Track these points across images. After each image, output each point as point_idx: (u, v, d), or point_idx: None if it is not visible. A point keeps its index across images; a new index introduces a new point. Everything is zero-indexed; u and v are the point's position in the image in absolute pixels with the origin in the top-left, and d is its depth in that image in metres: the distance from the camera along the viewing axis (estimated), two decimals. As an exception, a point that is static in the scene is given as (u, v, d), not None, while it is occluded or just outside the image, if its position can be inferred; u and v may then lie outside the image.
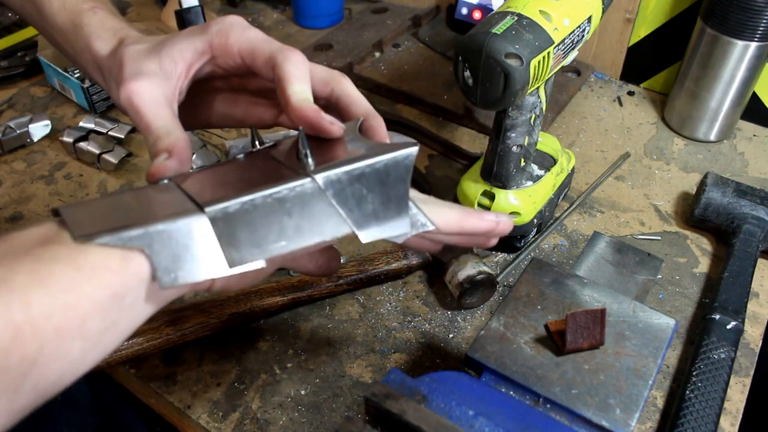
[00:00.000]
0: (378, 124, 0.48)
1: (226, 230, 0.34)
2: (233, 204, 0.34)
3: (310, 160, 0.38)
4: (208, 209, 0.34)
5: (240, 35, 0.46)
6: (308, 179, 0.36)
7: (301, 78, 0.45)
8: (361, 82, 1.02)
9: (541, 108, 0.67)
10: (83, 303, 0.31)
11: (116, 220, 0.34)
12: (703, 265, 0.75)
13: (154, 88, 0.45)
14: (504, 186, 0.71)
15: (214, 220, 0.34)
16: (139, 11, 1.24)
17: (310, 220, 0.36)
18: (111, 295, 0.32)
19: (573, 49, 0.64)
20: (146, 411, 0.68)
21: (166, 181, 0.40)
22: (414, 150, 0.38)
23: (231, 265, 0.35)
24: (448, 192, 0.83)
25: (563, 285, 0.62)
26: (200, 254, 0.34)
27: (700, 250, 0.77)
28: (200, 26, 0.48)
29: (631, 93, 1.02)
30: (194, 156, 0.84)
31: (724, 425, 0.59)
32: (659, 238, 0.78)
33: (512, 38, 0.57)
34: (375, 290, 0.72)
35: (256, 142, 0.46)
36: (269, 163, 0.41)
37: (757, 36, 0.80)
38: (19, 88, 1.02)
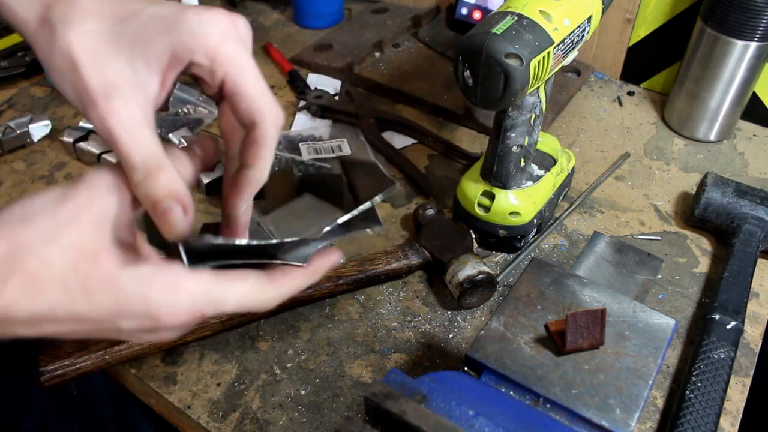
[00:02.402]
0: (263, 140, 0.40)
1: None
2: None
3: None
4: None
5: (232, 62, 0.38)
6: None
7: (270, 157, 0.40)
8: (361, 82, 1.02)
9: (541, 108, 0.67)
10: None
11: None
12: (703, 265, 0.75)
13: (132, 106, 0.37)
14: (504, 186, 0.71)
15: None
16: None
17: None
18: None
19: (573, 49, 0.64)
20: (147, 410, 0.68)
21: None
22: None
23: None
24: (449, 192, 0.83)
25: (563, 285, 0.62)
26: None
27: (700, 250, 0.77)
28: (179, 15, 0.38)
29: (631, 93, 1.02)
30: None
31: (724, 425, 0.59)
32: (659, 238, 0.78)
33: (512, 38, 0.57)
34: (375, 290, 0.72)
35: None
36: None
37: (757, 36, 0.80)
38: (19, 88, 1.02)
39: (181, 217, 0.37)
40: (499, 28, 0.57)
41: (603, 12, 0.67)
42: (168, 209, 0.37)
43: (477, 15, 1.08)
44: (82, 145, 0.86)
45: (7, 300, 0.34)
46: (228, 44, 0.38)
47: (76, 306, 0.35)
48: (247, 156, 0.40)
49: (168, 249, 0.40)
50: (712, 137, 0.92)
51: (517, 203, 0.71)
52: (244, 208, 0.42)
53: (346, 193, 0.50)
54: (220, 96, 0.41)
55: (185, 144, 0.87)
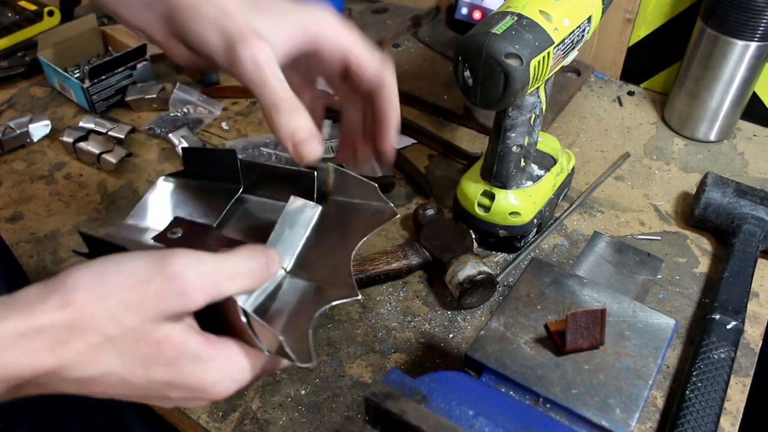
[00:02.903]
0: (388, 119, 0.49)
1: None
2: None
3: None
4: None
5: (353, 45, 0.46)
6: None
7: (398, 104, 0.49)
8: (361, 82, 1.02)
9: (541, 108, 0.67)
10: None
11: None
12: (703, 265, 0.75)
13: (273, 54, 0.43)
14: (504, 186, 0.71)
15: None
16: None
17: None
18: None
19: (573, 49, 0.64)
20: (145, 411, 0.68)
21: None
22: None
23: None
24: (449, 192, 0.83)
25: (563, 285, 0.62)
26: None
27: (700, 250, 0.77)
28: (304, 8, 0.46)
29: (631, 93, 1.02)
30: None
31: (724, 425, 0.59)
32: (659, 238, 0.78)
33: (512, 38, 0.57)
34: (375, 290, 0.72)
35: None
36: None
37: (757, 36, 0.80)
38: (19, 88, 1.02)
39: (317, 144, 0.43)
40: (499, 28, 0.57)
41: (603, 12, 0.67)
42: (308, 138, 0.42)
43: (477, 15, 1.08)
44: (82, 145, 0.86)
45: (63, 361, 0.34)
46: (348, 34, 0.47)
47: (131, 376, 0.37)
48: (382, 112, 0.49)
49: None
50: (712, 137, 0.92)
51: (517, 203, 0.71)
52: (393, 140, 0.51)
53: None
54: (341, 73, 0.49)
55: (185, 144, 0.87)
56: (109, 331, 0.35)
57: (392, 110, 0.50)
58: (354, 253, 0.47)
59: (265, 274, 0.42)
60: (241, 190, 0.55)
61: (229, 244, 0.46)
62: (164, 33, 0.49)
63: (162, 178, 0.56)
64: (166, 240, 0.46)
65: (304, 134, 0.42)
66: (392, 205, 0.49)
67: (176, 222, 0.47)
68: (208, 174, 0.56)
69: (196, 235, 0.46)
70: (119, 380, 0.37)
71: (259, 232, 0.52)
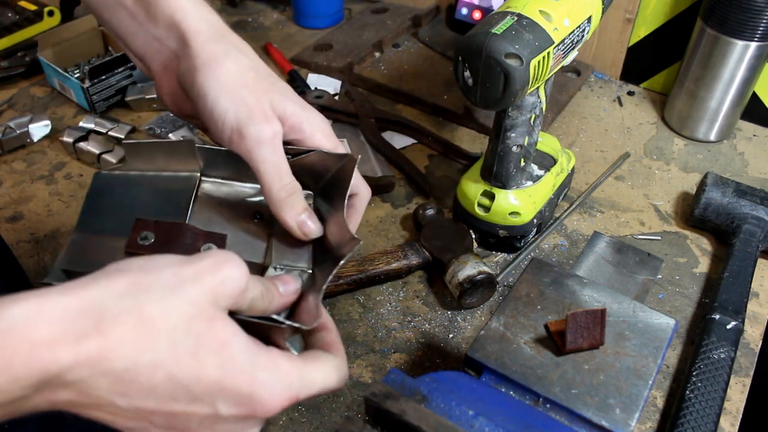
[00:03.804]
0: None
1: None
2: None
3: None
4: None
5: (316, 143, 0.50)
6: None
7: (360, 218, 0.52)
8: (361, 82, 1.02)
9: (541, 108, 0.67)
10: None
11: None
12: (703, 265, 0.75)
13: (280, 136, 0.46)
14: (504, 186, 0.71)
15: None
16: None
17: None
18: None
19: (573, 49, 0.64)
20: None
21: None
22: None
23: None
24: (449, 192, 0.83)
25: (563, 285, 0.62)
26: None
27: (700, 250, 0.77)
28: (306, 105, 0.49)
29: (631, 93, 1.02)
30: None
31: (724, 425, 0.59)
32: (659, 238, 0.78)
33: (512, 38, 0.57)
34: (375, 290, 0.72)
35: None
36: None
37: (757, 36, 0.80)
38: (19, 88, 1.02)
39: (316, 220, 0.48)
40: (499, 28, 0.57)
41: (603, 12, 0.67)
42: (307, 218, 0.47)
43: (477, 15, 1.08)
44: (82, 145, 0.86)
45: (109, 342, 0.31)
46: (335, 147, 0.50)
47: (178, 369, 0.33)
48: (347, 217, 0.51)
49: None
50: (712, 137, 0.92)
51: (517, 203, 0.71)
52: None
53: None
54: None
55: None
56: (165, 301, 0.33)
57: (353, 218, 0.52)
58: (345, 209, 0.48)
59: (274, 296, 0.41)
60: (199, 177, 0.50)
61: (209, 239, 0.44)
62: (163, 67, 0.49)
63: (96, 174, 0.50)
64: (138, 248, 0.42)
65: (304, 216, 0.47)
66: (348, 152, 0.48)
67: (141, 224, 0.43)
68: (154, 165, 0.50)
69: (171, 235, 0.43)
70: (165, 378, 0.33)
71: (230, 221, 0.49)
